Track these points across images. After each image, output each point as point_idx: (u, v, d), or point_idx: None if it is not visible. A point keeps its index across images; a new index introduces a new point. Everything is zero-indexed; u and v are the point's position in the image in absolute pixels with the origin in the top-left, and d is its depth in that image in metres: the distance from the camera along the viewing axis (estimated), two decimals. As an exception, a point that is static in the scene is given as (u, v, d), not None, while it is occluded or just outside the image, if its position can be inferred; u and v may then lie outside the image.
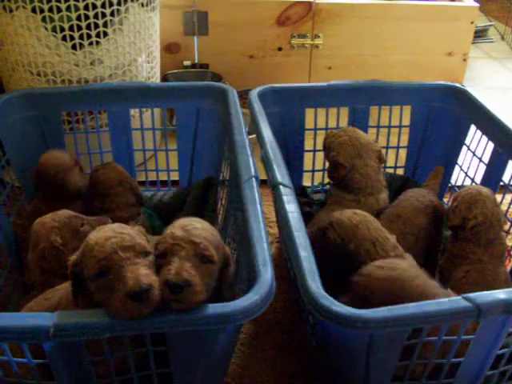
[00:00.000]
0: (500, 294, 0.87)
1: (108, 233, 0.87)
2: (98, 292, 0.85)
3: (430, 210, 1.38)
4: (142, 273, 0.82)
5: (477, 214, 1.24)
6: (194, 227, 0.90)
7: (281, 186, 1.12)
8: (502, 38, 3.42)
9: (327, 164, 1.52)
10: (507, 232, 1.35)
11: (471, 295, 0.86)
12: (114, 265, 0.83)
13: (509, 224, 1.38)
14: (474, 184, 1.48)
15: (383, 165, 1.50)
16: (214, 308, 0.82)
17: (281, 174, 1.16)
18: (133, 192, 1.41)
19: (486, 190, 1.28)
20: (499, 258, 1.26)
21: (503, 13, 3.54)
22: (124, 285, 0.81)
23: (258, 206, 1.02)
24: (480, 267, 1.22)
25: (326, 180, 1.66)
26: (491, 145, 1.47)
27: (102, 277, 0.84)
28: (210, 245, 0.89)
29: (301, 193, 1.65)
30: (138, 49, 1.74)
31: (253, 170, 1.14)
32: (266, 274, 0.87)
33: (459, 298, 0.87)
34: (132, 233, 0.88)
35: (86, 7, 1.55)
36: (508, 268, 1.33)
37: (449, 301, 0.87)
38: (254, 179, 1.11)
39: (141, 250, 0.86)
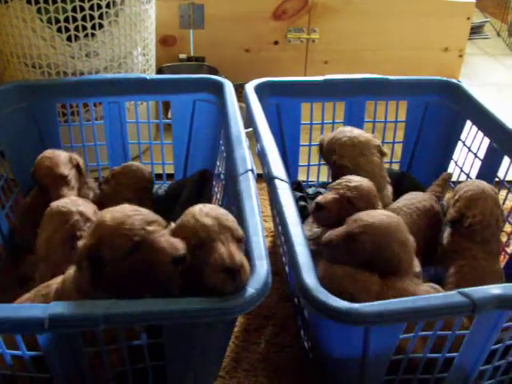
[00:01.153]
0: (495, 289, 0.87)
1: (126, 211, 0.90)
2: (129, 270, 0.87)
3: (431, 214, 1.37)
4: (176, 240, 0.88)
5: (475, 213, 1.23)
6: (220, 213, 0.92)
7: (276, 180, 1.12)
8: (498, 35, 3.43)
9: (323, 160, 1.51)
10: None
11: (466, 290, 0.86)
12: (145, 239, 0.87)
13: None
14: (476, 180, 1.40)
15: (384, 158, 1.48)
16: (210, 301, 0.82)
17: (277, 167, 1.15)
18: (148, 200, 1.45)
19: (488, 189, 1.26)
20: (494, 255, 1.26)
21: (499, 9, 3.54)
22: (164, 253, 0.86)
23: (255, 200, 1.02)
24: (474, 263, 1.22)
25: (322, 176, 1.67)
26: (487, 140, 1.47)
27: (133, 253, 0.86)
28: (235, 221, 0.93)
29: (296, 187, 1.65)
30: (133, 41, 1.73)
31: (249, 163, 1.14)
32: (262, 267, 0.86)
33: (454, 292, 0.87)
34: (146, 210, 0.93)
35: (82, -2, 1.54)
36: (502, 263, 1.33)
37: (444, 296, 0.87)
38: (250, 173, 1.10)
39: (162, 224, 0.92)
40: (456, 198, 1.28)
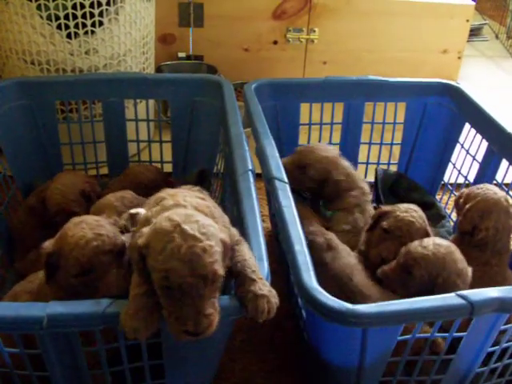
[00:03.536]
0: (493, 292, 0.87)
1: (89, 231, 0.94)
2: (76, 285, 0.94)
3: None
4: (119, 279, 0.92)
5: (488, 226, 1.22)
6: (196, 250, 0.76)
7: (276, 180, 1.12)
8: (496, 37, 3.43)
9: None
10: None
11: (465, 292, 0.87)
12: (95, 269, 0.93)
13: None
14: (489, 186, 1.31)
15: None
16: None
17: (276, 168, 1.16)
18: None
19: (502, 200, 1.24)
20: (505, 263, 1.25)
21: (498, 11, 3.55)
22: (106, 290, 0.91)
23: (254, 200, 1.02)
24: (485, 269, 1.21)
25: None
26: (485, 143, 1.47)
27: (83, 276, 0.93)
28: (216, 258, 0.78)
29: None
30: (133, 39, 1.73)
31: (249, 163, 1.14)
32: (262, 269, 0.87)
33: (453, 294, 0.87)
34: (110, 232, 0.95)
35: (82, -4, 1.54)
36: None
37: (442, 298, 0.87)
38: (250, 173, 1.10)
39: (120, 251, 0.95)
40: (468, 207, 1.26)
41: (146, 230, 0.82)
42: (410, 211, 1.25)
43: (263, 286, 0.84)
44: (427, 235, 1.22)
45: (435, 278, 1.08)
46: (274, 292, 0.84)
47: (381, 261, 1.22)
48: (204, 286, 0.76)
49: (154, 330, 0.80)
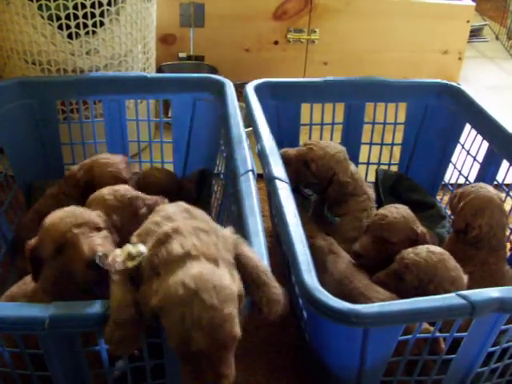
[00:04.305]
0: (494, 292, 0.87)
1: (64, 214, 0.94)
2: (57, 271, 0.92)
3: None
4: (97, 243, 0.91)
5: (482, 223, 1.23)
6: (215, 323, 0.72)
7: (277, 180, 1.12)
8: (497, 38, 3.43)
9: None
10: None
11: (465, 292, 0.87)
12: (68, 241, 0.90)
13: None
14: (482, 185, 1.33)
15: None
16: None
17: (277, 168, 1.16)
18: None
19: (495, 197, 1.25)
20: (502, 259, 1.26)
21: (498, 12, 3.54)
22: (81, 255, 0.89)
23: (255, 200, 1.02)
24: (484, 268, 1.22)
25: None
26: (485, 144, 1.47)
27: (58, 254, 0.91)
28: (236, 322, 0.75)
29: (294, 188, 1.65)
30: (134, 39, 1.73)
31: (250, 163, 1.14)
32: (264, 268, 0.87)
33: (453, 295, 0.87)
34: (84, 212, 0.95)
35: (83, -4, 1.54)
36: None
37: (443, 298, 0.87)
38: (250, 173, 1.10)
39: (94, 226, 0.94)
40: (461, 205, 1.27)
41: (156, 287, 0.77)
42: (389, 207, 1.27)
43: (275, 288, 0.85)
44: (413, 233, 1.24)
45: (427, 285, 1.09)
46: (282, 291, 0.86)
47: (357, 255, 1.25)
48: (223, 350, 0.74)
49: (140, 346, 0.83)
